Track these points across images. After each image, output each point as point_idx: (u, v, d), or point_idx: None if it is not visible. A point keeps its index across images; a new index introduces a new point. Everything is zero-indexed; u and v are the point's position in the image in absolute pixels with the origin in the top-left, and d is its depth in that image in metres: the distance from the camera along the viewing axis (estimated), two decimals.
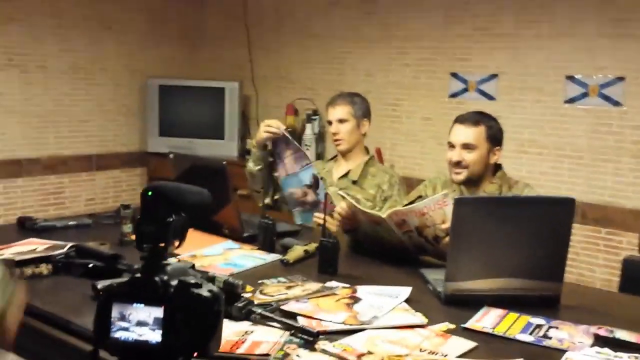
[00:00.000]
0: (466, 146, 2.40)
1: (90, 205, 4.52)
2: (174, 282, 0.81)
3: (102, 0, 4.51)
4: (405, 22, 4.13)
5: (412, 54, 4.12)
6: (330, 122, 2.90)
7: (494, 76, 3.82)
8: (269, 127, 2.72)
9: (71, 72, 4.40)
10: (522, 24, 3.70)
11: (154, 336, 0.79)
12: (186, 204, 0.85)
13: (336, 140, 2.87)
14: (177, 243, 0.84)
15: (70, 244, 2.05)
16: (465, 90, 3.94)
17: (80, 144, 4.51)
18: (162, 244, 0.82)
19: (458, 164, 2.42)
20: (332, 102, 2.93)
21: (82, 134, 4.52)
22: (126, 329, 0.80)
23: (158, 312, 0.79)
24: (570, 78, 3.55)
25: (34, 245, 2.10)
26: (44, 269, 1.92)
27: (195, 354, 0.81)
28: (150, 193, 0.82)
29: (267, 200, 2.90)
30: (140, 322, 0.80)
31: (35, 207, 4.19)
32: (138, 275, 0.81)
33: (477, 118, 2.45)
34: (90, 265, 1.91)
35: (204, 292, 0.81)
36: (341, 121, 2.86)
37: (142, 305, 0.80)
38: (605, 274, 3.44)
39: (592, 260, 3.50)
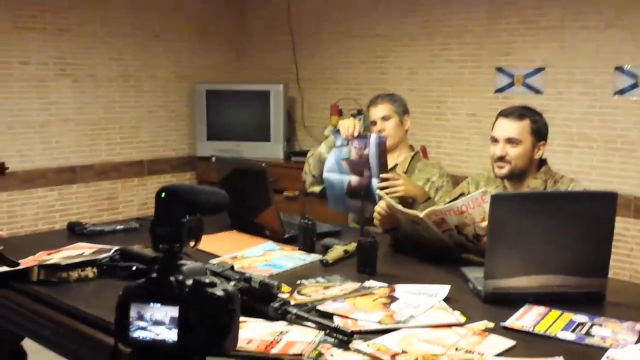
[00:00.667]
0: (510, 141, 2.36)
1: (143, 209, 4.64)
2: (189, 282, 0.82)
3: (149, 10, 4.62)
4: (448, 18, 4.09)
5: (456, 50, 4.07)
6: (374, 123, 2.92)
7: (540, 69, 3.74)
8: (344, 130, 2.75)
9: (121, 80, 4.53)
10: (569, 16, 3.61)
11: (171, 335, 0.81)
12: (200, 205, 0.86)
13: None
14: (192, 243, 0.85)
15: (115, 248, 2.10)
16: (511, 84, 3.87)
17: (131, 150, 4.64)
18: (177, 245, 0.84)
19: (501, 159, 2.38)
20: (373, 102, 2.96)
21: (133, 140, 4.64)
22: (144, 329, 0.82)
23: (174, 311, 0.81)
24: (619, 69, 3.45)
25: (82, 250, 2.16)
26: (90, 272, 1.97)
27: (211, 353, 0.82)
28: (164, 194, 0.84)
29: (317, 189, 2.93)
30: (157, 322, 0.81)
31: (89, 212, 4.33)
32: (154, 275, 0.83)
33: (522, 112, 2.40)
34: (134, 268, 1.96)
35: (218, 291, 0.82)
36: (384, 118, 2.90)
37: (159, 305, 0.81)
38: None
39: None
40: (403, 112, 2.94)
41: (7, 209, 4.04)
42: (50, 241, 2.36)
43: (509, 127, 2.37)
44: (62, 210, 4.27)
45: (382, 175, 2.63)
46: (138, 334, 0.81)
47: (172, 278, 0.82)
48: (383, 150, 2.65)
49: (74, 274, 1.94)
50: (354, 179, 2.73)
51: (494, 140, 2.41)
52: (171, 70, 4.80)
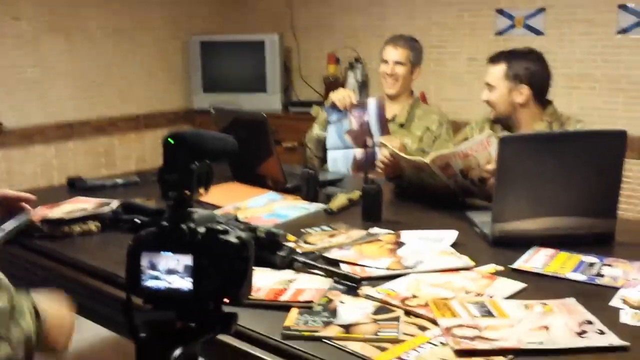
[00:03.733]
0: (488, 86, 2.40)
1: (140, 164, 4.61)
2: (202, 230, 0.80)
3: None
4: None
5: None
6: (385, 61, 2.85)
7: (541, 10, 3.66)
8: (341, 100, 2.73)
9: (114, 35, 4.43)
10: None
11: (185, 283, 0.79)
12: (209, 150, 0.84)
13: (388, 80, 2.83)
14: (202, 190, 0.83)
15: (117, 201, 2.08)
16: (512, 26, 3.80)
17: (127, 105, 4.57)
18: (187, 192, 0.81)
19: (488, 102, 2.43)
20: (393, 42, 2.87)
21: (128, 95, 4.57)
22: (156, 278, 0.80)
23: (187, 259, 0.79)
24: (623, 7, 3.38)
25: (82, 204, 2.14)
26: (93, 226, 1.95)
27: (226, 300, 0.81)
28: (171, 140, 0.81)
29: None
30: (170, 270, 0.79)
31: (87, 168, 4.29)
32: (165, 223, 0.81)
33: (499, 57, 2.41)
34: (137, 221, 1.93)
35: (232, 238, 0.80)
36: (398, 63, 2.83)
37: (171, 253, 0.79)
38: None
39: None
40: (417, 62, 2.88)
41: (4, 166, 4.00)
42: (50, 197, 2.34)
43: (488, 72, 2.42)
44: (59, 166, 4.23)
45: (380, 139, 2.62)
46: (150, 284, 0.80)
47: (183, 226, 0.79)
48: (382, 114, 2.67)
49: (77, 228, 1.93)
50: (358, 153, 2.73)
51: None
52: (165, 23, 4.70)
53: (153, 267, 0.80)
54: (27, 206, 1.51)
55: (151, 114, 4.70)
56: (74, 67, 4.26)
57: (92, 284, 1.67)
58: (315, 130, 2.91)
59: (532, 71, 2.34)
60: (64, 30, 4.18)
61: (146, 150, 4.70)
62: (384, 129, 2.69)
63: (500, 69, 2.36)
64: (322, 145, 2.87)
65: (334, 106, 2.78)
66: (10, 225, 1.47)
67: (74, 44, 4.24)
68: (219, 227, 0.80)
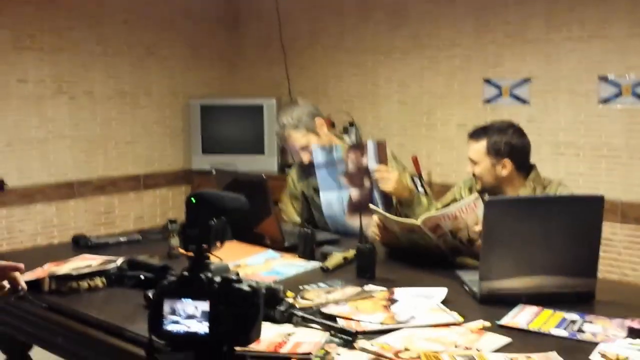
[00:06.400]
0: (471, 161, 2.52)
1: (139, 223, 4.69)
2: (218, 279, 0.90)
3: (143, 28, 4.71)
4: (436, 32, 4.20)
5: (444, 63, 4.19)
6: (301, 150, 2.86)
7: (526, 80, 3.85)
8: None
9: (117, 97, 4.60)
10: (553, 27, 3.73)
11: (202, 327, 0.88)
12: (226, 209, 0.94)
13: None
14: (218, 244, 0.93)
15: (122, 258, 2.16)
16: (499, 95, 3.98)
17: (128, 165, 4.70)
18: (206, 245, 0.92)
19: (474, 175, 2.54)
20: (280, 137, 2.92)
21: (129, 155, 4.70)
22: (177, 322, 0.89)
23: (204, 305, 0.89)
24: (603, 79, 3.57)
25: (89, 261, 2.23)
26: (99, 281, 2.03)
27: (238, 343, 0.90)
28: (193, 199, 0.92)
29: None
30: (189, 316, 0.89)
31: (87, 226, 4.38)
32: (186, 273, 0.91)
33: (480, 133, 2.52)
34: (142, 277, 2.02)
35: (245, 286, 0.90)
36: (303, 149, 2.85)
37: (190, 300, 0.89)
38: None
39: (635, 260, 3.48)
40: (310, 126, 2.84)
41: (6, 224, 4.09)
42: (54, 254, 2.42)
43: (470, 149, 2.53)
44: (60, 225, 4.32)
45: (377, 167, 2.63)
46: (171, 328, 0.89)
47: (202, 275, 0.89)
48: (383, 152, 2.65)
49: (84, 284, 2.01)
50: (354, 193, 2.73)
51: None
52: (166, 86, 4.88)
53: (174, 312, 0.90)
54: (23, 285, 1.48)
55: (151, 174, 4.82)
56: (77, 128, 4.41)
57: (99, 337, 1.74)
58: (292, 216, 2.94)
59: (513, 145, 2.48)
60: (68, 93, 4.35)
61: (145, 209, 4.80)
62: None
63: (481, 145, 2.48)
64: (302, 204, 2.86)
65: (323, 148, 2.77)
66: None
67: (77, 106, 4.40)
68: (233, 277, 0.90)
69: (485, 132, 2.51)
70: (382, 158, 2.66)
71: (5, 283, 1.44)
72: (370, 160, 2.67)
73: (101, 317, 1.80)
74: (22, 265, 1.49)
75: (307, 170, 2.90)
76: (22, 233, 4.14)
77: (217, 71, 5.19)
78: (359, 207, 2.64)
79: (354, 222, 2.74)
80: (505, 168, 2.47)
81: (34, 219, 4.21)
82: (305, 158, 2.86)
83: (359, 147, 2.73)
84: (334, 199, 2.80)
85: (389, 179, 2.60)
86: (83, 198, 4.44)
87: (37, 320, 1.92)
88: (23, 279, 1.48)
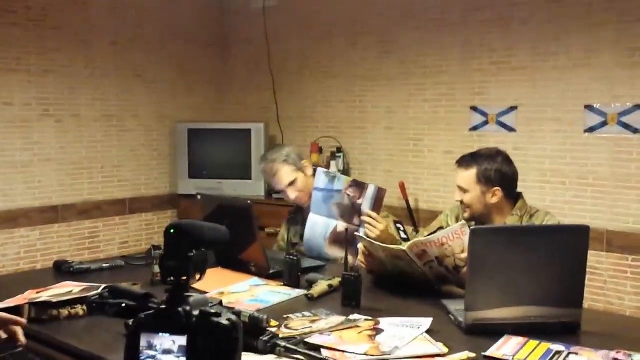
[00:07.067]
0: (460, 189, 2.52)
1: (123, 248, 4.65)
2: (196, 312, 0.88)
3: (132, 51, 4.71)
4: (423, 59, 4.23)
5: (431, 90, 4.21)
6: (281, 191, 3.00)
7: (513, 108, 3.88)
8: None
9: (103, 120, 4.58)
10: (539, 56, 3.77)
11: None
12: (205, 240, 0.93)
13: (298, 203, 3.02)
14: (197, 276, 0.91)
15: (103, 286, 2.12)
16: (486, 122, 4.00)
17: (113, 189, 4.67)
18: (184, 277, 0.90)
19: (462, 203, 2.53)
20: (268, 175, 3.03)
21: (115, 179, 4.67)
22: (153, 357, 0.87)
23: (182, 340, 0.87)
24: (589, 107, 3.60)
25: (70, 288, 2.19)
26: (80, 309, 2.00)
27: None
28: (172, 230, 0.91)
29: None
30: (165, 351, 0.87)
31: (71, 251, 4.33)
32: (163, 306, 0.89)
33: (470, 161, 2.51)
34: (123, 305, 1.99)
35: (224, 320, 0.88)
36: (290, 184, 2.95)
37: (168, 334, 0.87)
38: (635, 301, 3.42)
39: (620, 289, 3.48)
40: (298, 164, 2.97)
41: None
42: (36, 280, 2.39)
43: (458, 177, 2.53)
44: (43, 249, 4.26)
45: (368, 212, 2.63)
46: None
47: (180, 309, 0.87)
48: (380, 200, 2.66)
49: (65, 312, 1.98)
50: (340, 225, 2.72)
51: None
52: (153, 110, 4.87)
53: (150, 347, 0.88)
54: (23, 340, 1.44)
55: (137, 198, 4.79)
56: (62, 152, 4.37)
57: None
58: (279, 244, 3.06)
59: (503, 172, 2.48)
60: (54, 116, 4.32)
61: (130, 234, 4.76)
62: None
63: (471, 173, 2.48)
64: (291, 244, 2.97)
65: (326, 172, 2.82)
66: None
67: (63, 129, 4.37)
68: (212, 310, 0.89)
69: (475, 160, 2.50)
70: (377, 205, 2.67)
71: (2, 333, 1.40)
72: (365, 202, 2.68)
73: (81, 347, 1.77)
74: (24, 321, 1.47)
75: (294, 219, 3.03)
76: (5, 257, 4.09)
77: (205, 95, 5.20)
78: (341, 241, 2.66)
79: (332, 252, 2.75)
80: (495, 196, 2.47)
81: (17, 243, 4.16)
82: (292, 195, 2.92)
83: (360, 185, 2.72)
84: (320, 223, 2.80)
85: (375, 228, 2.59)
86: (67, 222, 4.39)
87: (15, 348, 1.88)
88: (0, 306, 1.45)
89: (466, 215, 2.53)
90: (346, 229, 2.40)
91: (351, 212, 2.71)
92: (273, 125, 4.97)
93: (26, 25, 4.15)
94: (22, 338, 1.41)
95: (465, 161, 2.52)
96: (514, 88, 3.87)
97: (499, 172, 2.47)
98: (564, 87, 3.68)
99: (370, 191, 2.67)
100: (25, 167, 4.19)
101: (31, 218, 4.21)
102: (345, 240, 2.28)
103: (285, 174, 2.91)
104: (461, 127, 4.09)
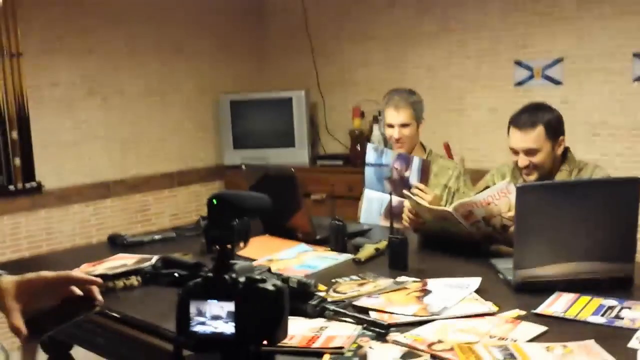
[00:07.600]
0: (529, 152, 2.39)
1: (174, 219, 4.76)
2: (242, 279, 0.90)
3: (171, 25, 4.74)
4: (463, 15, 4.14)
5: (473, 45, 4.12)
6: (391, 125, 2.93)
7: (559, 60, 3.77)
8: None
9: (146, 95, 4.65)
10: (584, 5, 3.64)
11: (228, 328, 0.89)
12: (247, 208, 0.95)
13: (397, 144, 2.93)
14: (242, 244, 0.93)
15: (156, 257, 2.18)
16: (531, 77, 3.91)
17: (161, 163, 4.75)
18: (229, 246, 0.92)
19: (527, 167, 2.42)
20: (394, 104, 2.91)
21: (161, 153, 4.76)
22: (203, 323, 0.90)
23: (230, 306, 0.89)
24: (638, 55, 3.47)
25: (124, 260, 2.26)
26: (134, 280, 2.06)
27: (264, 342, 0.90)
28: (214, 200, 0.92)
29: None
30: (214, 316, 0.89)
31: (123, 225, 4.45)
32: (210, 274, 0.91)
33: (533, 119, 2.39)
34: (176, 275, 2.04)
35: (269, 286, 0.90)
36: (404, 125, 2.91)
37: (216, 301, 0.90)
38: None
39: None
40: (420, 116, 2.95)
41: (44, 226, 4.17)
42: (91, 254, 2.47)
43: (524, 140, 2.38)
44: (97, 224, 4.39)
45: (416, 184, 2.66)
46: (198, 329, 0.89)
47: (226, 276, 0.89)
48: (426, 171, 2.69)
49: (120, 283, 2.04)
50: (395, 200, 2.67)
51: (514, 151, 2.44)
52: (194, 83, 4.92)
53: (200, 313, 0.90)
54: (99, 298, 1.39)
55: (184, 171, 4.88)
56: (109, 129, 4.47)
57: (135, 336, 1.76)
58: None
59: (560, 118, 2.44)
60: (99, 94, 4.41)
61: (179, 206, 4.86)
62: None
63: (539, 131, 2.37)
64: None
65: (376, 148, 2.87)
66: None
67: (109, 106, 4.46)
68: (257, 277, 0.91)
69: (536, 116, 2.40)
70: (423, 177, 2.69)
71: (78, 290, 1.36)
72: (412, 175, 2.72)
73: (137, 316, 1.82)
74: (100, 280, 1.42)
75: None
76: (61, 234, 4.23)
77: (245, 65, 5.21)
78: (395, 214, 2.64)
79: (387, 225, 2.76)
80: (561, 146, 2.41)
81: (72, 220, 4.29)
82: (396, 134, 2.90)
83: (405, 159, 2.76)
84: (375, 198, 2.88)
85: (423, 200, 2.57)
86: (118, 197, 4.51)
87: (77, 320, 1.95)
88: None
89: (532, 177, 2.40)
90: (390, 192, 2.39)
91: (401, 185, 2.74)
92: (314, 91, 4.95)
93: (66, 4, 4.21)
94: (99, 296, 1.38)
95: (528, 121, 2.39)
96: (559, 39, 3.76)
97: (558, 119, 2.42)
98: (610, 35, 3.56)
99: (416, 164, 2.71)
100: (75, 145, 4.30)
101: (84, 194, 4.34)
102: (390, 204, 2.28)
103: (405, 115, 2.90)
104: (505, 82, 4.00)
